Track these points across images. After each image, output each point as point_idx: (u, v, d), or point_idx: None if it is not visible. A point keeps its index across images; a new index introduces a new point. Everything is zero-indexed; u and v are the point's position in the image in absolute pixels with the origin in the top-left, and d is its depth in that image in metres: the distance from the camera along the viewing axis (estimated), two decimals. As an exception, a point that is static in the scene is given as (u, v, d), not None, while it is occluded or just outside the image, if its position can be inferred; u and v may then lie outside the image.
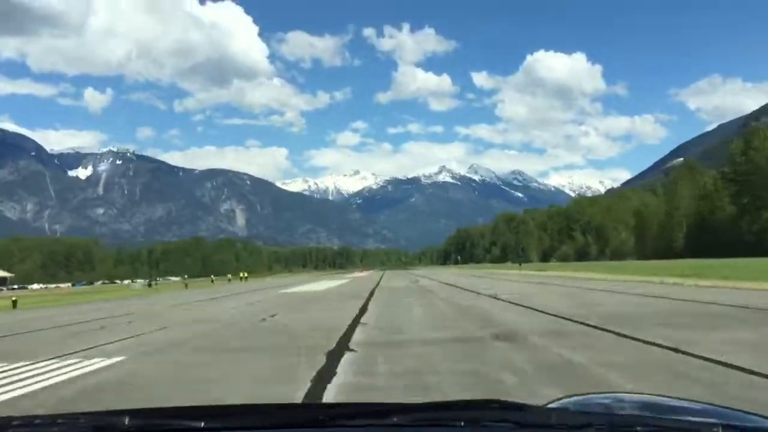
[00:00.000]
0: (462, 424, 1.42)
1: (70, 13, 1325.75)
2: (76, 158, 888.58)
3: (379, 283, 43.57)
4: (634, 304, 16.81)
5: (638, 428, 1.33)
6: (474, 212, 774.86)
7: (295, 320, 16.57)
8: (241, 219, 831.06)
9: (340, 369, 8.02)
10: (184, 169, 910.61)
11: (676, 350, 8.30)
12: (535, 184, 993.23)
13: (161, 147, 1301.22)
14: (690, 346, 8.45)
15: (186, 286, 67.13)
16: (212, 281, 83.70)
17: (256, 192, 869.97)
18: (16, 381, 8.38)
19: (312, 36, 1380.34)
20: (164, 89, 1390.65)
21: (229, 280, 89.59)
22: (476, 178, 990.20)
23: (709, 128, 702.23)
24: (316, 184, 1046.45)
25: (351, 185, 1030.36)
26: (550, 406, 1.59)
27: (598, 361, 7.75)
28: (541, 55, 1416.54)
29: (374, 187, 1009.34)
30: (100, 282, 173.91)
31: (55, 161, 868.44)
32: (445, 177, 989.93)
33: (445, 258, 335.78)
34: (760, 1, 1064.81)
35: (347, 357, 9.06)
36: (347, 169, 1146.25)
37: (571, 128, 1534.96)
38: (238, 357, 10.02)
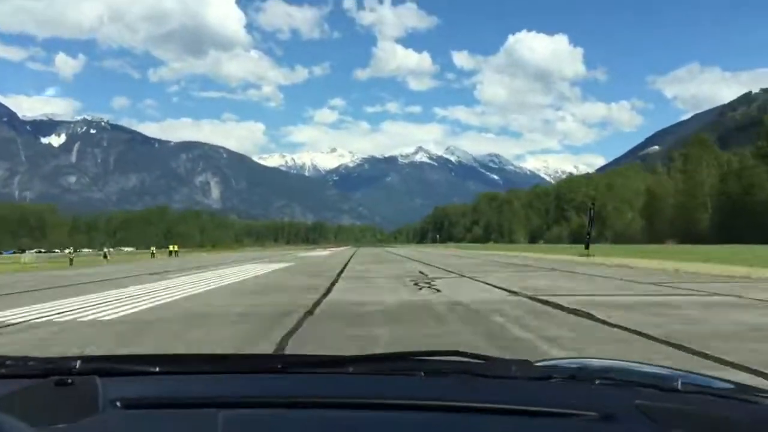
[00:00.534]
0: (423, 374, 1.39)
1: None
2: (50, 125, 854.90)
3: (342, 272, 25.37)
4: None
5: (597, 381, 1.34)
6: (450, 193, 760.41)
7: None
8: (215, 192, 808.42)
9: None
10: (159, 141, 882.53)
11: None
12: (510, 167, 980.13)
13: (136, 117, 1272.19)
14: None
15: (70, 261, 48.98)
16: (105, 257, 60.59)
17: (232, 166, 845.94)
18: None
19: (290, 5, 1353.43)
20: (138, 57, 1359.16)
21: (153, 254, 70.53)
22: (453, 159, 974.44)
23: (685, 117, 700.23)
24: (293, 159, 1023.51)
25: (328, 162, 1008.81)
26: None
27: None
28: (523, 35, 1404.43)
29: (351, 164, 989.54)
30: (42, 251, 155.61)
31: (27, 128, 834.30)
32: (422, 157, 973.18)
33: (421, 236, 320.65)
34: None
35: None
36: (324, 146, 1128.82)
37: (549, 113, 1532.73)
38: None
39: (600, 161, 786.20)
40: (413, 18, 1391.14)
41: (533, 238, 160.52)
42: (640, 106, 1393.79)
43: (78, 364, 1.40)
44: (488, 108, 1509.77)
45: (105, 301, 13.39)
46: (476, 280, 18.39)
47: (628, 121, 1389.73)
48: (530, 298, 12.38)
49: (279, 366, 1.47)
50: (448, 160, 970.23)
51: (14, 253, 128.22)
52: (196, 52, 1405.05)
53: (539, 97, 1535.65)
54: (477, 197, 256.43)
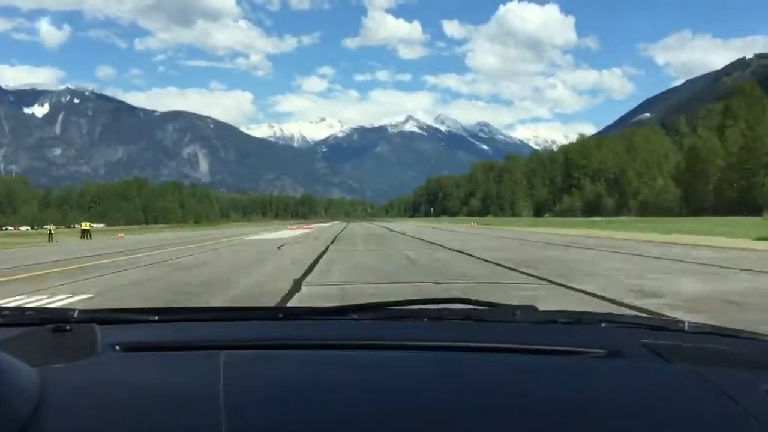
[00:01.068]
0: (425, 320, 1.38)
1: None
2: (33, 95, 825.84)
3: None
4: None
5: (603, 324, 1.33)
6: (440, 163, 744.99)
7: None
8: (204, 164, 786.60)
9: None
10: (144, 110, 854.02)
11: None
12: (500, 137, 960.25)
13: (122, 87, 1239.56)
14: None
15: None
16: (50, 237, 45.36)
17: (220, 136, 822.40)
18: None
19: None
20: (124, 27, 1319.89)
21: (51, 236, 47.23)
22: (443, 128, 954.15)
23: (677, 83, 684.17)
24: (281, 130, 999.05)
25: (317, 132, 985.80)
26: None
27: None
28: (514, 5, 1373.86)
29: (340, 135, 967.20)
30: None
31: (10, 98, 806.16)
32: (411, 127, 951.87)
33: (414, 210, 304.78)
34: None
35: None
36: (313, 115, 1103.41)
37: (540, 81, 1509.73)
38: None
39: (590, 129, 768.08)
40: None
41: (538, 210, 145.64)
42: (632, 73, 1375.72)
43: (76, 313, 1.39)
44: (479, 76, 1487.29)
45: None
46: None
47: (619, 89, 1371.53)
48: None
49: (280, 315, 1.47)
50: (437, 130, 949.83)
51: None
52: (184, 22, 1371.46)
53: (530, 65, 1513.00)
54: (472, 166, 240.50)
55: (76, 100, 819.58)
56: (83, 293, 9.87)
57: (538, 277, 10.72)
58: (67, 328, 1.22)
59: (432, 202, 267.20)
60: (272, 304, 7.98)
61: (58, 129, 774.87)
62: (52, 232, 48.51)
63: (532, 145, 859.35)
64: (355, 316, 1.41)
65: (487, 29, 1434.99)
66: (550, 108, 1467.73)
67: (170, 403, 0.91)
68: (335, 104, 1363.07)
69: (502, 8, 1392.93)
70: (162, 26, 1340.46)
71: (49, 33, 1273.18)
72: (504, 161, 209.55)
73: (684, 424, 0.86)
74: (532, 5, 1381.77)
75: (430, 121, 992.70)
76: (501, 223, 66.16)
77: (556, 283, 9.83)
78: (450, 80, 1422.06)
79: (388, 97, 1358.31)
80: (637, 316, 1.46)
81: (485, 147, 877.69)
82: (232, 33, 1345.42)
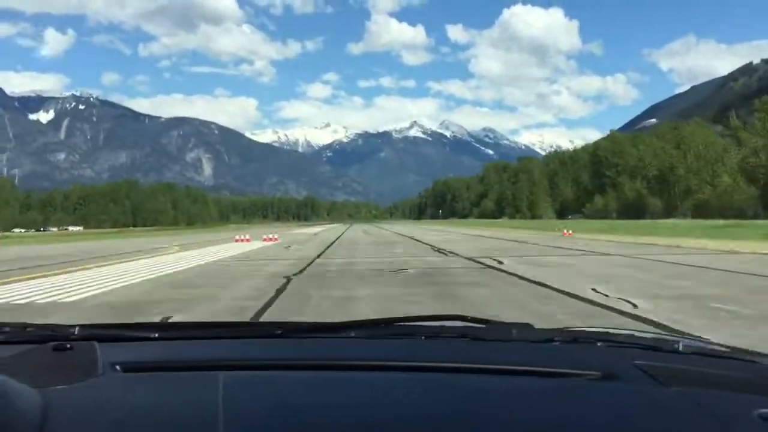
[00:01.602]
0: (423, 337, 1.36)
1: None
2: (38, 102, 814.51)
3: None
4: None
5: (599, 343, 1.31)
6: (445, 168, 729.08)
7: None
8: (207, 168, 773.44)
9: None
10: (149, 116, 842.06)
11: None
12: (506, 142, 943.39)
13: (127, 93, 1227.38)
14: None
15: None
16: None
17: (224, 142, 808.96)
18: None
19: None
20: (128, 32, 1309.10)
21: None
22: (447, 134, 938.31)
23: (682, 90, 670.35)
24: (285, 135, 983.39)
25: (321, 138, 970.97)
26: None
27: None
28: (518, 9, 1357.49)
29: (344, 140, 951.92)
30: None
31: (15, 104, 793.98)
32: (416, 132, 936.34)
33: (419, 212, 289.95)
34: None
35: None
36: (318, 121, 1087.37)
37: (544, 86, 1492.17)
38: None
39: (595, 135, 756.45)
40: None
41: (562, 212, 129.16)
42: (636, 79, 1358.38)
43: (76, 330, 1.36)
44: (483, 82, 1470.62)
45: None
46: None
47: (624, 95, 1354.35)
48: None
49: (278, 332, 1.42)
50: (442, 135, 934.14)
51: None
52: (188, 27, 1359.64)
53: (535, 70, 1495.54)
54: (484, 167, 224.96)
55: (81, 106, 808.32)
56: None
57: None
58: (68, 346, 1.20)
59: (439, 205, 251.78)
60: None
61: (62, 134, 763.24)
62: None
63: (538, 150, 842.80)
64: (353, 334, 1.39)
65: (490, 34, 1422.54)
66: (555, 114, 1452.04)
67: (170, 427, 0.90)
68: (340, 111, 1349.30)
69: (506, 12, 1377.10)
70: (166, 31, 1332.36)
71: (53, 38, 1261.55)
72: (518, 162, 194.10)
73: None
74: (537, 8, 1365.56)
75: (434, 126, 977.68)
76: (541, 227, 50.02)
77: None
78: (454, 86, 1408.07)
79: (393, 103, 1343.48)
80: (632, 335, 1.43)
81: (490, 152, 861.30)
82: (235, 38, 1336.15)
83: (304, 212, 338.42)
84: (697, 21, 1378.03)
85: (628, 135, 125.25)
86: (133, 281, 12.38)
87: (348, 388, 1.09)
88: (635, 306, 7.57)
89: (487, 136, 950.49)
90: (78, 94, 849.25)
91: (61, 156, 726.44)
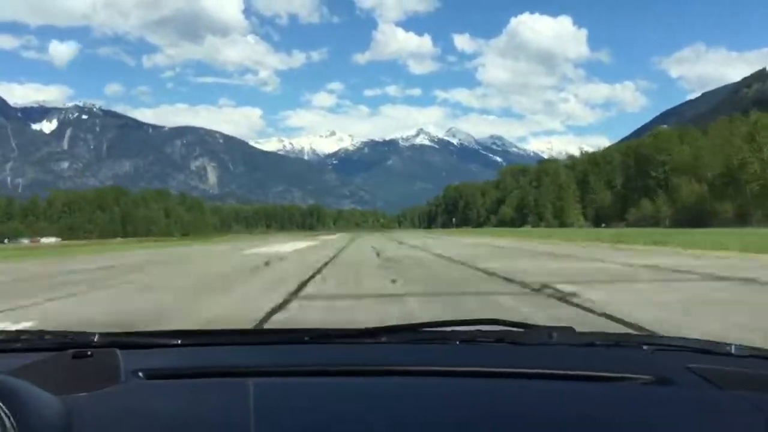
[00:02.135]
0: (458, 342, 1.30)
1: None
2: (41, 112, 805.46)
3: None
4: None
5: (645, 347, 1.25)
6: (452, 176, 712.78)
7: None
8: (212, 177, 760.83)
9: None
10: (153, 126, 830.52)
11: None
12: (514, 149, 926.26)
13: (130, 103, 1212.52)
14: None
15: None
16: None
17: (229, 150, 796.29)
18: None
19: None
20: (132, 43, 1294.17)
21: None
22: (454, 141, 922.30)
23: (692, 96, 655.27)
24: (291, 144, 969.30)
25: (327, 146, 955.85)
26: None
27: None
28: (525, 17, 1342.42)
29: (351, 148, 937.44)
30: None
31: (18, 114, 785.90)
32: (422, 140, 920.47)
33: (429, 220, 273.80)
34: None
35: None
36: (323, 130, 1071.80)
37: (552, 94, 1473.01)
38: None
39: (604, 142, 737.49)
40: (414, 1, 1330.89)
41: (597, 219, 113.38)
42: (645, 86, 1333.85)
43: (96, 337, 1.33)
44: (490, 90, 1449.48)
45: None
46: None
47: (633, 102, 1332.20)
48: None
49: (306, 338, 1.36)
50: (449, 143, 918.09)
51: None
52: (192, 37, 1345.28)
53: (542, 78, 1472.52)
54: (500, 172, 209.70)
55: (84, 116, 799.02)
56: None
57: None
58: (88, 353, 1.16)
59: (451, 212, 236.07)
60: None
61: (65, 144, 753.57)
62: None
63: (546, 157, 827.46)
64: (385, 339, 1.33)
65: (497, 43, 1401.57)
66: (563, 121, 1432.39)
67: None
68: (345, 119, 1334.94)
69: (513, 21, 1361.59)
70: (170, 42, 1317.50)
71: (57, 50, 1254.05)
72: (539, 164, 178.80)
73: None
74: (545, 17, 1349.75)
75: (441, 134, 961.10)
76: (594, 237, 34.65)
77: None
78: (461, 94, 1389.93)
79: (399, 111, 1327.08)
80: (680, 338, 1.36)
81: (498, 159, 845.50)
82: (240, 48, 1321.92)
83: (309, 221, 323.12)
84: (705, 29, 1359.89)
85: (674, 129, 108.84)
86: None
87: (382, 395, 1.05)
88: None
89: (494, 143, 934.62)
90: (81, 104, 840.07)
91: (65, 165, 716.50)
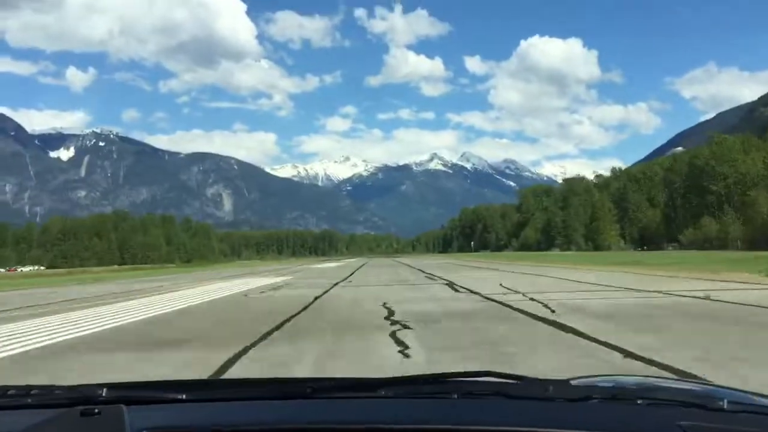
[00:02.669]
0: (456, 396, 1.28)
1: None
2: (58, 139, 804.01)
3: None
4: None
5: (639, 401, 1.23)
6: (466, 200, 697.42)
7: None
8: (227, 203, 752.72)
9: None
10: (169, 152, 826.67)
11: None
12: (527, 173, 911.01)
13: (147, 130, 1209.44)
14: None
15: None
16: None
17: (244, 177, 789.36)
18: None
19: (302, 16, 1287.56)
20: (149, 69, 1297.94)
21: None
22: (468, 166, 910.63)
23: (706, 117, 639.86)
24: (305, 170, 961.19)
25: (341, 172, 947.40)
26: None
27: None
28: (536, 40, 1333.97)
29: (365, 174, 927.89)
30: None
31: (36, 141, 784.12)
32: (436, 165, 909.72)
33: (445, 244, 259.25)
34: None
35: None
36: (337, 155, 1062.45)
37: (564, 116, 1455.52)
38: None
39: (618, 165, 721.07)
40: (425, 25, 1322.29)
41: (642, 240, 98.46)
42: (658, 107, 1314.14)
43: (104, 392, 1.33)
44: (502, 113, 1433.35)
45: None
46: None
47: (646, 123, 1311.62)
48: None
49: (309, 390, 1.35)
50: (463, 167, 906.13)
51: None
52: (207, 63, 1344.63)
53: (554, 100, 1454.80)
54: (520, 193, 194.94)
55: (101, 143, 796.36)
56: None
57: None
58: (96, 411, 1.16)
59: (468, 236, 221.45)
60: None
61: (83, 171, 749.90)
62: None
63: (560, 181, 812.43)
64: (383, 392, 1.33)
65: (509, 65, 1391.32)
66: (576, 144, 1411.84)
67: None
68: (359, 144, 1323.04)
69: (523, 43, 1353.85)
70: (186, 67, 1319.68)
71: (74, 76, 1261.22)
72: (564, 183, 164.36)
73: None
74: (554, 39, 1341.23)
75: (455, 159, 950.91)
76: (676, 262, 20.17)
77: None
78: (474, 118, 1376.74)
79: (412, 135, 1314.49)
80: (675, 389, 1.34)
81: (512, 183, 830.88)
82: (254, 73, 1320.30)
83: (321, 246, 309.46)
84: (718, 49, 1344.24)
85: (737, 137, 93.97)
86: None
87: None
88: None
89: (508, 167, 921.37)
90: (98, 131, 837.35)
91: (82, 193, 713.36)
